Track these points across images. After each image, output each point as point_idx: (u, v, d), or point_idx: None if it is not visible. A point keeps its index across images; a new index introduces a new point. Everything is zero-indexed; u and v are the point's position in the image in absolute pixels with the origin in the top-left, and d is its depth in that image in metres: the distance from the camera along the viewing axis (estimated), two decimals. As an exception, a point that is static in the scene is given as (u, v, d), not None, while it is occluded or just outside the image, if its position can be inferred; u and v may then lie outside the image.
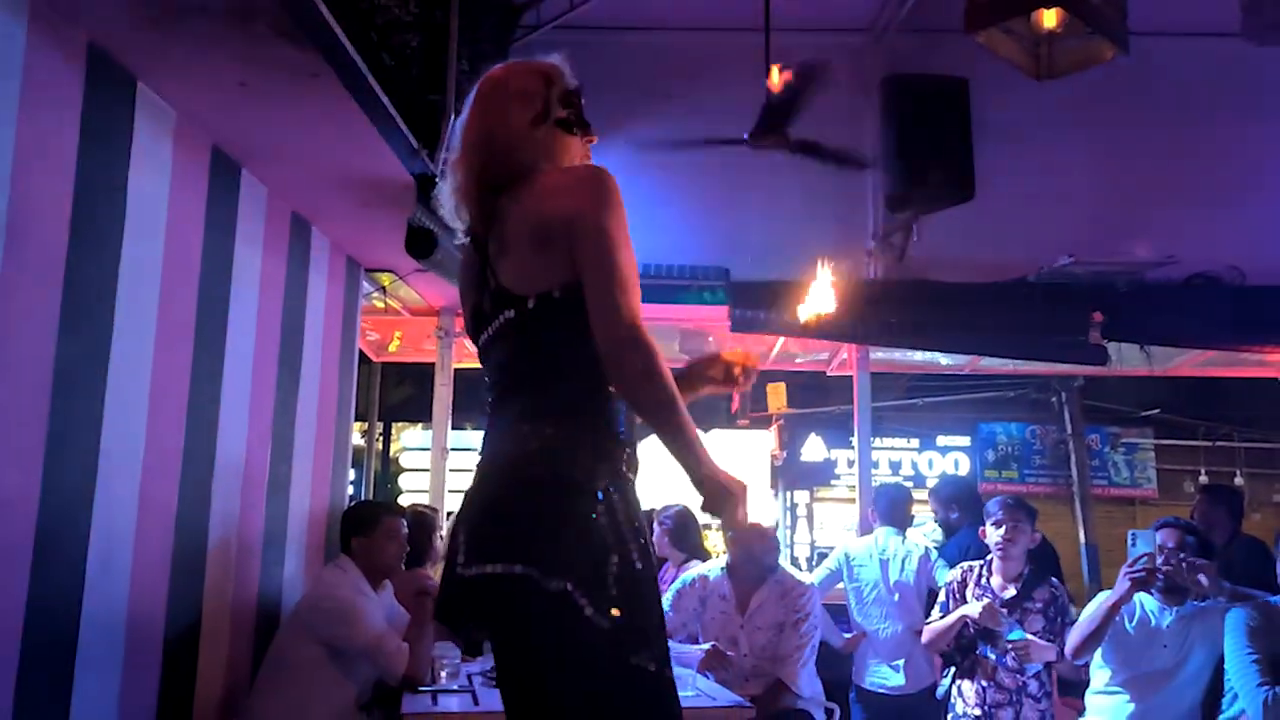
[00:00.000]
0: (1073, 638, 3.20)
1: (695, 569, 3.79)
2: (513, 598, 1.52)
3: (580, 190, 1.63)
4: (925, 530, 13.14)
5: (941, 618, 3.63)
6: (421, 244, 3.29)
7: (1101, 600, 3.17)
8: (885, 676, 4.26)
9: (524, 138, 1.72)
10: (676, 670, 2.82)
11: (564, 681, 1.54)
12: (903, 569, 4.33)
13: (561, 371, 1.64)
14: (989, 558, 3.65)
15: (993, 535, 3.58)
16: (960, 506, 4.70)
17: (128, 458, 2.50)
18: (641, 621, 1.54)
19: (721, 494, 1.57)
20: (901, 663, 4.25)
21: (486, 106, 1.76)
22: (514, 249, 1.66)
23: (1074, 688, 3.59)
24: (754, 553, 3.58)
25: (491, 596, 1.55)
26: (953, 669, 3.70)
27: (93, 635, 2.33)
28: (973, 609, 3.47)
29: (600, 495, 1.57)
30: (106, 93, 2.35)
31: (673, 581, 3.93)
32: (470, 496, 1.66)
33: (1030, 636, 3.40)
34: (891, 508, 4.59)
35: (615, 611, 1.50)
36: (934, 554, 4.45)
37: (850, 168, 4.38)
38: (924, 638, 3.75)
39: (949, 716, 3.63)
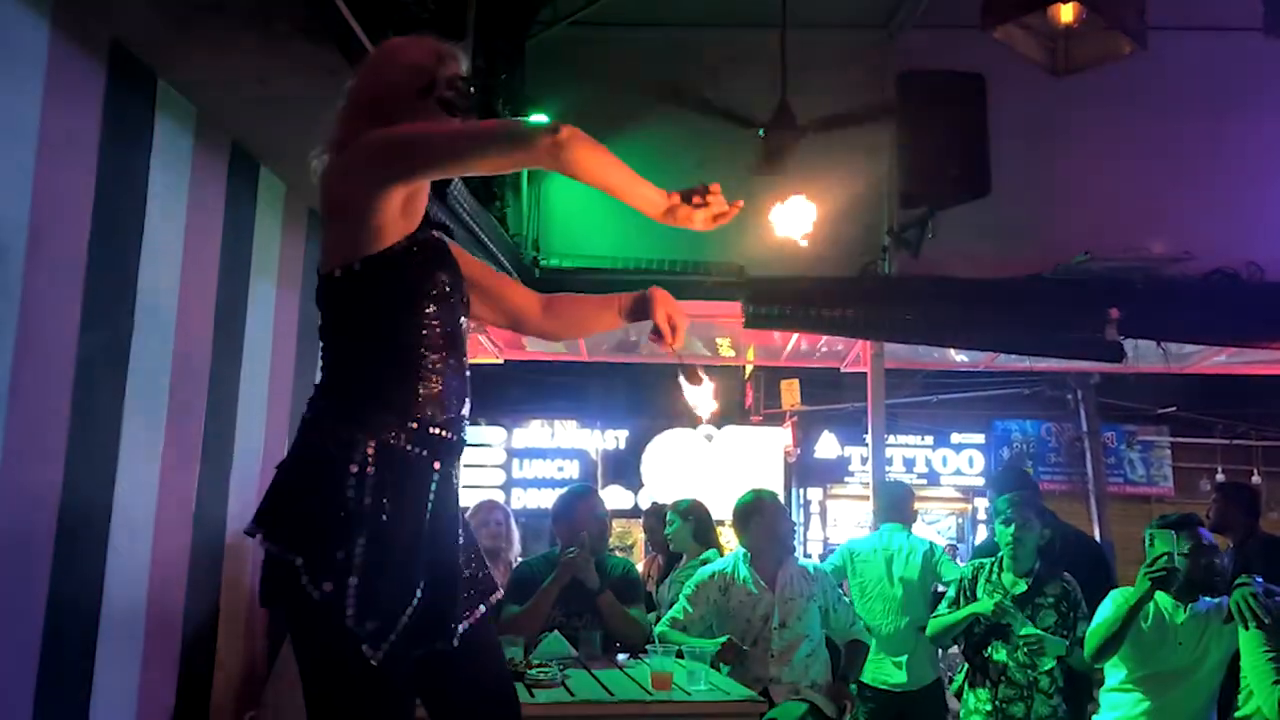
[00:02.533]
0: (1091, 641, 3.18)
1: (713, 563, 3.80)
2: (266, 565, 1.60)
3: (353, 154, 1.64)
4: (940, 528, 13.14)
5: (950, 612, 3.63)
6: (437, 240, 3.30)
7: (1118, 600, 3.15)
8: (887, 673, 4.24)
9: (406, 108, 1.69)
10: (689, 665, 2.83)
11: (297, 650, 1.62)
12: (906, 564, 4.33)
13: (343, 347, 1.67)
14: (1000, 554, 3.64)
15: (1002, 533, 3.57)
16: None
17: (148, 450, 2.53)
18: (368, 600, 1.52)
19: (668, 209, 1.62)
20: (904, 659, 4.24)
21: (379, 71, 1.78)
22: (324, 225, 1.73)
23: (1082, 680, 3.57)
24: (778, 532, 3.63)
25: (267, 566, 1.60)
26: (966, 666, 3.70)
27: (113, 623, 2.36)
28: (983, 606, 3.47)
29: (355, 469, 1.55)
30: (128, 89, 2.38)
31: (685, 574, 3.94)
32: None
33: (1041, 632, 3.39)
34: (894, 504, 4.60)
35: (328, 586, 1.50)
36: (938, 549, 4.44)
37: (871, 123, 4.37)
38: (929, 630, 3.76)
39: (961, 712, 3.63)
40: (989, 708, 3.47)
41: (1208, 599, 3.16)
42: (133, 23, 2.25)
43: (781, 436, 10.18)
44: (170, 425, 2.62)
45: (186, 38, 2.28)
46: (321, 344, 1.70)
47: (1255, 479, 10.68)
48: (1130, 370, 5.45)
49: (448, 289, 1.69)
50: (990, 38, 3.70)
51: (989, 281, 4.80)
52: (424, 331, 1.64)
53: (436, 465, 1.63)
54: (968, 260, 4.83)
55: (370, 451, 1.56)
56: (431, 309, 1.65)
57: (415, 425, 1.61)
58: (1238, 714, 3.03)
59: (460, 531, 1.71)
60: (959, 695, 3.70)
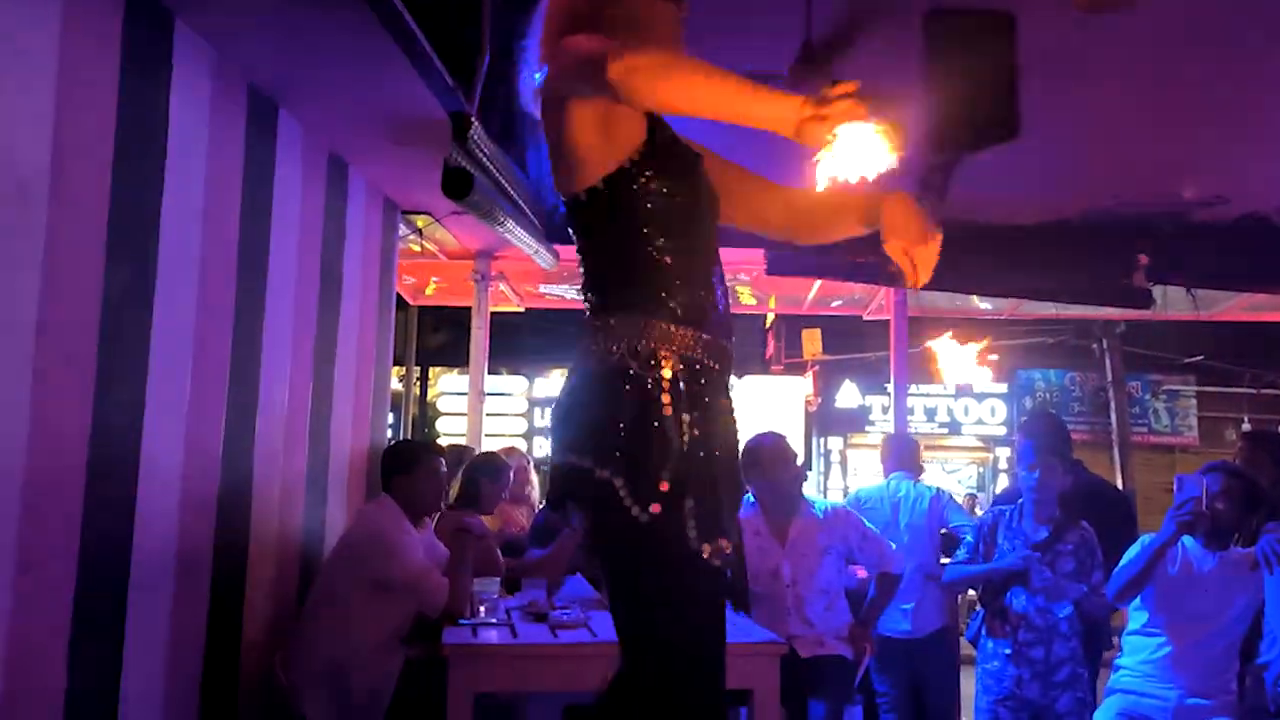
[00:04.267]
0: (1115, 581, 3.19)
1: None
2: (574, 486, 1.58)
3: (564, 71, 1.58)
4: (961, 477, 13.13)
5: (969, 560, 3.63)
6: (457, 184, 3.27)
7: (1145, 544, 3.15)
8: (894, 621, 4.20)
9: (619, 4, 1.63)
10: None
11: (615, 567, 1.58)
12: (913, 511, 4.33)
13: (617, 261, 1.63)
14: (1020, 501, 3.64)
15: (1026, 478, 3.57)
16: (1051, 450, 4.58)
17: (173, 396, 2.55)
18: (686, 509, 1.50)
19: (811, 118, 1.39)
20: (910, 607, 4.19)
21: None
22: (550, 151, 1.68)
23: (1096, 628, 3.59)
24: (781, 485, 3.57)
25: (564, 486, 1.61)
26: (984, 611, 3.72)
27: (143, 566, 2.39)
28: (1011, 562, 3.48)
29: (668, 386, 1.54)
30: (145, 29, 2.35)
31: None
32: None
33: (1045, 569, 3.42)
34: (901, 454, 4.63)
35: (654, 508, 1.49)
36: (945, 495, 4.44)
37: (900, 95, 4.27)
38: (946, 577, 3.76)
39: (979, 656, 3.66)
40: (1009, 651, 3.49)
41: (1238, 548, 3.15)
42: (148, -39, 2.21)
43: (803, 386, 10.15)
44: (195, 369, 2.63)
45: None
46: (586, 262, 1.68)
47: (1281, 428, 10.57)
48: (1158, 317, 5.38)
49: (704, 201, 1.67)
50: (1021, -27, 3.59)
51: (1015, 227, 4.71)
52: (696, 243, 1.64)
53: (724, 382, 1.63)
54: (995, 205, 4.74)
55: (678, 367, 1.55)
56: (693, 224, 1.64)
57: (708, 337, 1.59)
58: (1259, 660, 3.04)
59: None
60: (975, 641, 3.72)
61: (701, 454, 1.54)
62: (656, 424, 1.52)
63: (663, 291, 1.59)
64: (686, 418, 1.54)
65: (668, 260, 1.60)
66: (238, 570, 2.95)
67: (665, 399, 1.54)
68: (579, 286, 1.71)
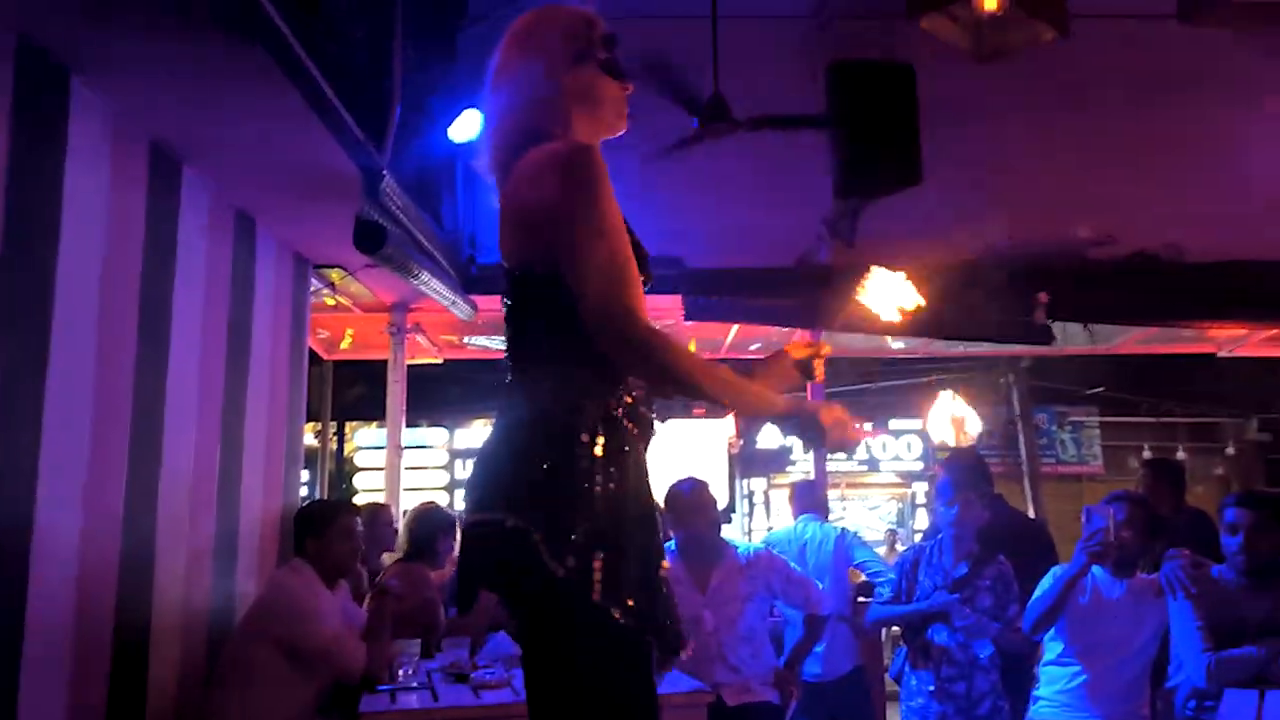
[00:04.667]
0: (1030, 614, 3.26)
1: None
2: (487, 543, 1.52)
3: (552, 176, 1.55)
4: (881, 513, 13.35)
5: (892, 599, 3.68)
6: (370, 238, 3.24)
7: (1056, 575, 3.23)
8: (807, 664, 4.10)
9: (567, 76, 1.65)
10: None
11: (535, 633, 1.53)
12: (819, 552, 4.40)
13: (550, 327, 1.59)
14: (939, 536, 3.71)
15: (944, 515, 3.64)
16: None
17: (71, 462, 2.44)
18: (611, 573, 1.46)
19: (814, 423, 1.59)
20: (821, 650, 4.13)
21: (526, 45, 1.69)
22: (504, 225, 1.65)
23: (1019, 661, 3.65)
24: (701, 534, 3.54)
25: (477, 544, 1.55)
26: (905, 649, 3.76)
27: (38, 641, 2.27)
28: (930, 604, 3.53)
29: (586, 438, 1.51)
30: (38, 88, 2.28)
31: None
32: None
33: (976, 618, 3.47)
34: (806, 495, 4.77)
35: (571, 562, 1.44)
36: (850, 534, 4.53)
37: (808, 129, 4.41)
38: (869, 618, 3.81)
39: (902, 693, 3.69)
40: (931, 687, 3.54)
41: (1144, 574, 3.26)
42: (41, 18, 2.16)
43: (724, 428, 10.23)
44: (95, 432, 2.53)
45: (100, 32, 2.20)
46: (513, 324, 1.65)
47: (1180, 455, 11.05)
48: (1059, 352, 5.59)
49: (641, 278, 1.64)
50: (918, 28, 3.74)
51: (922, 268, 4.84)
52: None
53: (643, 446, 1.60)
54: (901, 247, 4.87)
55: (600, 418, 1.53)
56: None
57: (629, 399, 1.58)
58: (1168, 684, 3.13)
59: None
60: (898, 679, 3.75)
61: (616, 509, 1.51)
62: (574, 476, 1.49)
63: (595, 353, 1.54)
64: (602, 473, 1.51)
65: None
66: (140, 645, 2.81)
67: (585, 451, 1.51)
68: (502, 338, 1.69)
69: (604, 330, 1.49)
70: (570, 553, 1.44)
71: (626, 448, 1.55)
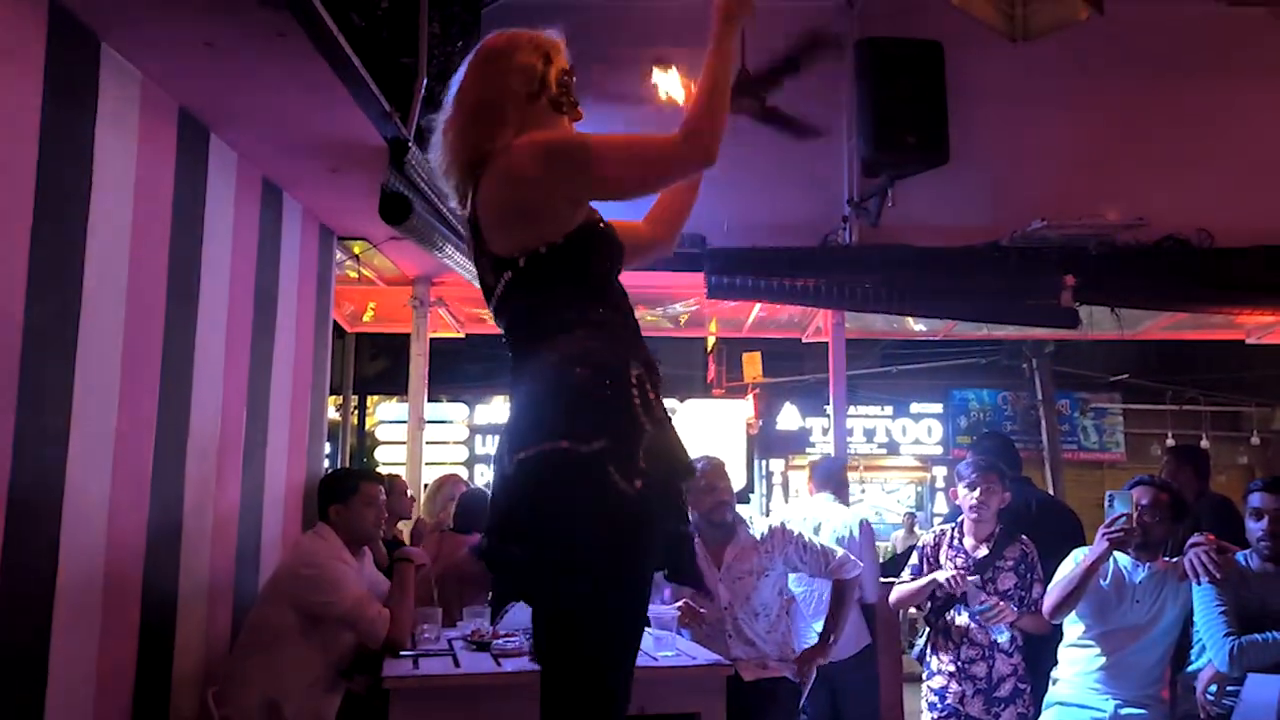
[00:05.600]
0: (1050, 598, 3.25)
1: None
2: (548, 469, 1.65)
3: (538, 160, 1.75)
4: (900, 496, 13.32)
5: (912, 579, 3.68)
6: (395, 209, 3.25)
7: (1077, 560, 3.22)
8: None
9: (517, 113, 1.82)
10: (656, 631, 2.84)
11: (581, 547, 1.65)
12: (832, 534, 4.33)
13: (562, 317, 1.76)
14: (960, 519, 3.70)
15: (965, 496, 3.62)
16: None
17: (100, 425, 2.47)
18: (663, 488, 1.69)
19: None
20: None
21: (486, 74, 1.85)
22: (496, 224, 1.79)
23: (1041, 642, 3.63)
24: (712, 514, 3.54)
25: (528, 475, 1.67)
26: (928, 630, 3.76)
27: (68, 602, 2.31)
28: (941, 575, 3.53)
29: (626, 380, 1.70)
30: (70, 54, 2.30)
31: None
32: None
33: (993, 603, 3.46)
34: (825, 475, 4.68)
35: (639, 483, 1.63)
36: (864, 523, 4.45)
37: (807, 138, 4.37)
38: (892, 597, 3.80)
39: (924, 674, 3.70)
40: (952, 669, 3.54)
41: (1167, 559, 3.24)
42: (73, -18, 2.17)
43: (744, 409, 10.23)
44: (123, 398, 2.56)
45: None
46: (519, 303, 1.80)
47: (1204, 443, 10.94)
48: (1085, 337, 5.53)
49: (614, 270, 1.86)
50: (948, 4, 3.71)
51: (947, 250, 4.83)
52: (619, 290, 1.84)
53: (660, 407, 1.76)
54: (927, 229, 4.85)
55: (640, 371, 1.73)
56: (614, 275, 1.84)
57: (645, 369, 1.75)
58: (1189, 669, 3.12)
59: None
60: (921, 659, 3.76)
61: (658, 447, 1.70)
62: (628, 412, 1.68)
63: (606, 339, 1.76)
64: (651, 413, 1.71)
65: (615, 289, 1.82)
66: (168, 604, 2.86)
67: (634, 394, 1.70)
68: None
69: (692, 156, 1.73)
70: (636, 475, 1.64)
71: (655, 402, 1.74)
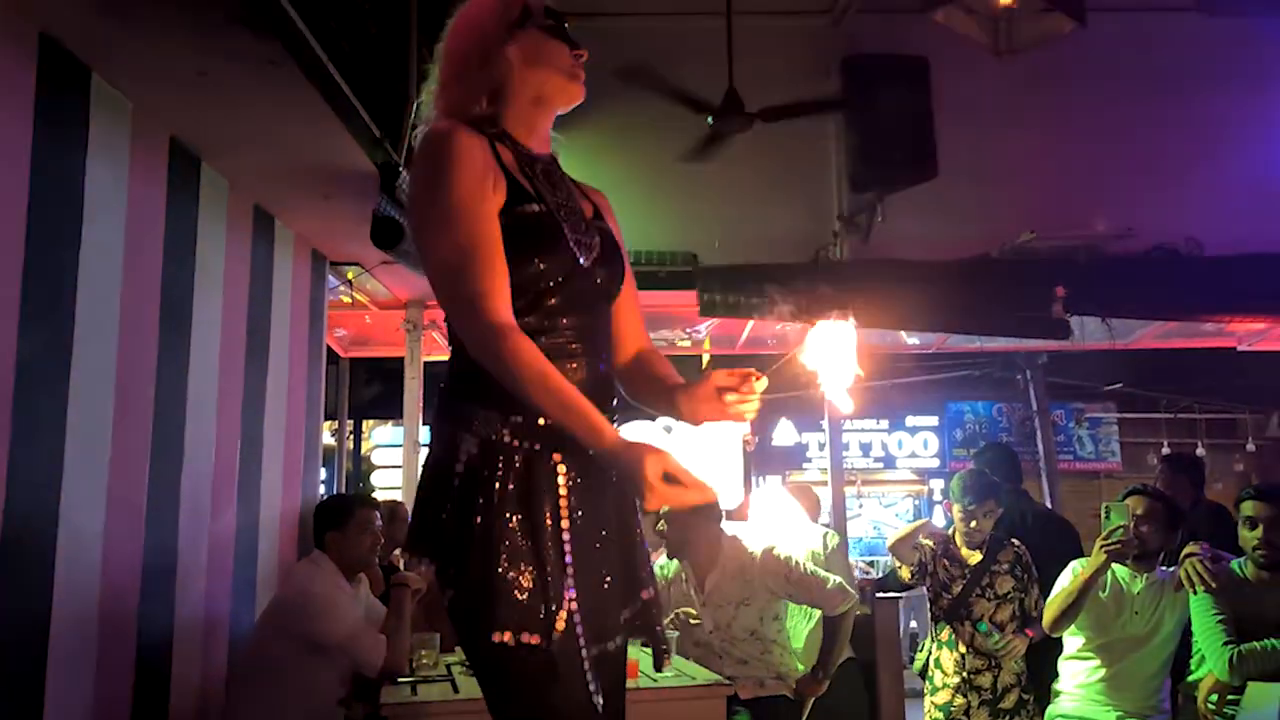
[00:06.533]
0: (1049, 611, 3.25)
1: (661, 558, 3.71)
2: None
3: (412, 169, 1.54)
4: (897, 510, 13.29)
5: (912, 582, 3.69)
6: (387, 234, 3.26)
7: (1076, 572, 3.22)
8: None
9: (505, 46, 1.55)
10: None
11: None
12: (806, 549, 4.35)
13: (453, 362, 1.53)
14: (953, 529, 3.71)
15: (956, 511, 3.64)
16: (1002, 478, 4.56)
17: (94, 456, 2.46)
18: (494, 595, 1.40)
19: (633, 472, 1.34)
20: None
21: (466, 16, 1.61)
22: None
23: (1046, 646, 3.63)
24: (692, 538, 3.46)
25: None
26: (928, 641, 3.76)
27: (64, 637, 2.30)
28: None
29: (459, 466, 1.45)
30: (60, 85, 2.31)
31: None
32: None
33: (996, 633, 3.47)
34: (799, 495, 4.75)
35: (450, 594, 1.44)
36: (832, 538, 4.47)
37: (826, 113, 4.40)
38: (888, 543, 3.79)
39: (927, 688, 3.68)
40: (957, 680, 3.53)
41: (1164, 569, 3.24)
42: (62, 15, 2.18)
43: (739, 425, 10.22)
44: (117, 429, 2.55)
45: (120, 29, 2.22)
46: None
47: (1200, 451, 10.96)
48: (1077, 347, 5.56)
49: (552, 273, 1.50)
50: (933, 21, 3.74)
51: (938, 263, 4.85)
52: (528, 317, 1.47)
53: (556, 458, 1.46)
54: (917, 243, 4.88)
55: (473, 450, 1.45)
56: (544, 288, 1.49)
57: (519, 418, 1.45)
58: (1190, 678, 3.11)
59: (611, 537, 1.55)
60: (924, 673, 3.75)
61: (489, 536, 1.45)
62: (446, 515, 1.47)
63: (485, 378, 1.49)
64: (474, 503, 1.46)
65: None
66: (164, 637, 2.84)
67: (455, 483, 1.46)
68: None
69: (454, 323, 1.46)
70: (450, 584, 1.43)
71: (514, 473, 1.45)
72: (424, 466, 1.55)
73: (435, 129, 1.50)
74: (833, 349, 1.67)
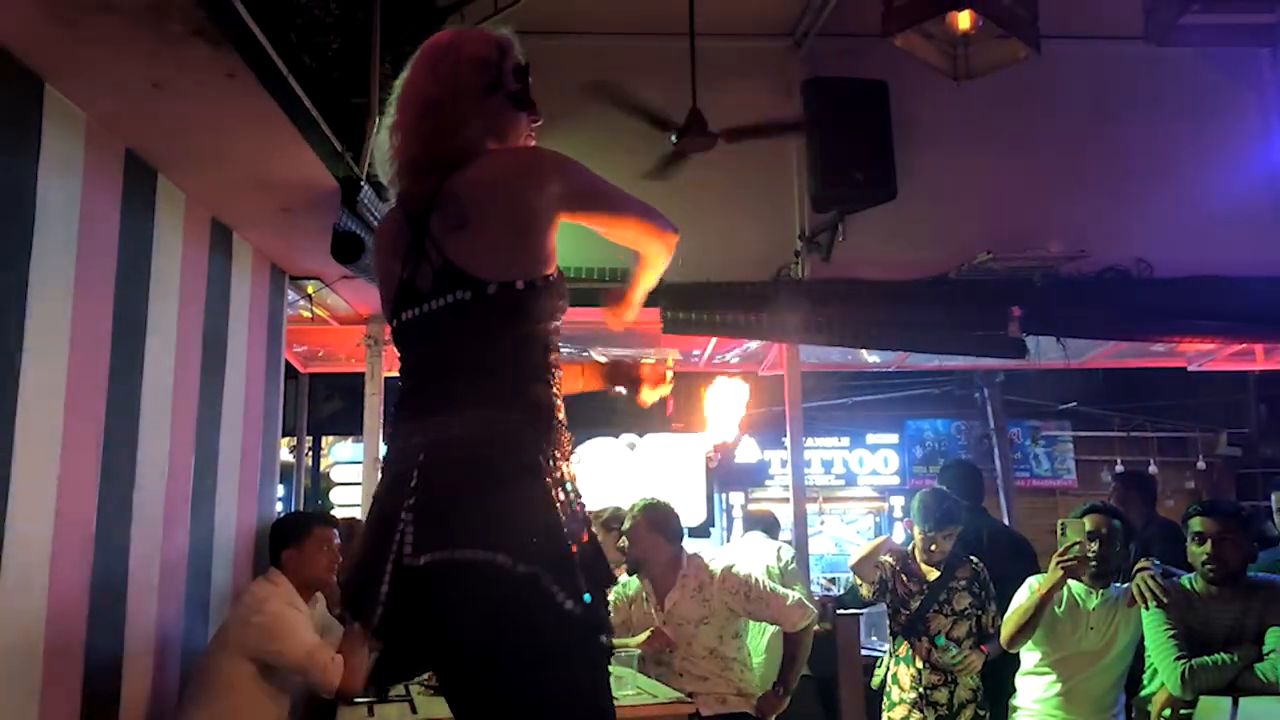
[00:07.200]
0: (1006, 627, 3.29)
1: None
2: (476, 583, 1.47)
3: (547, 171, 1.66)
4: (858, 527, 13.37)
5: (872, 596, 3.72)
6: (348, 248, 3.24)
7: (1032, 588, 3.26)
8: None
9: (475, 108, 1.67)
10: (616, 669, 2.82)
11: (531, 666, 1.50)
12: (764, 565, 4.39)
13: (510, 359, 1.60)
14: (911, 547, 3.75)
15: (916, 533, 3.68)
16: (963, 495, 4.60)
17: (42, 473, 2.41)
18: (599, 603, 1.53)
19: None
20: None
21: (436, 71, 1.68)
22: (480, 230, 1.60)
23: (997, 669, 3.67)
24: (641, 553, 3.51)
25: (449, 584, 1.48)
26: (887, 656, 3.78)
27: (8, 659, 2.24)
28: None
29: (552, 479, 1.54)
30: (12, 96, 2.27)
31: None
32: (414, 484, 1.53)
33: (954, 647, 3.51)
34: (757, 519, 5.04)
35: (585, 597, 1.49)
36: (786, 552, 4.55)
37: (788, 135, 4.46)
38: (850, 563, 3.85)
39: (885, 704, 3.70)
40: (914, 696, 3.55)
41: (1118, 585, 3.29)
42: (14, 25, 2.14)
43: (703, 442, 10.22)
44: (67, 446, 2.50)
45: (74, 40, 2.18)
46: (465, 344, 1.60)
47: (1152, 469, 11.15)
48: (1032, 366, 5.63)
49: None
50: (892, 45, 3.80)
51: (897, 283, 4.91)
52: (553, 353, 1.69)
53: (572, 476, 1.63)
54: (877, 262, 4.94)
55: (557, 457, 1.59)
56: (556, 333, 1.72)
57: (567, 439, 1.63)
58: (1143, 692, 3.16)
59: None
60: (881, 689, 3.77)
61: (593, 551, 1.59)
62: (560, 516, 1.53)
63: (544, 393, 1.62)
64: (572, 510, 1.58)
65: (547, 358, 1.65)
66: (114, 659, 2.77)
67: (562, 495, 1.55)
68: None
69: (659, 245, 1.84)
70: (581, 591, 1.50)
71: (574, 484, 1.62)
72: (475, 457, 1.54)
73: (545, 149, 1.72)
74: (724, 405, 2.09)
